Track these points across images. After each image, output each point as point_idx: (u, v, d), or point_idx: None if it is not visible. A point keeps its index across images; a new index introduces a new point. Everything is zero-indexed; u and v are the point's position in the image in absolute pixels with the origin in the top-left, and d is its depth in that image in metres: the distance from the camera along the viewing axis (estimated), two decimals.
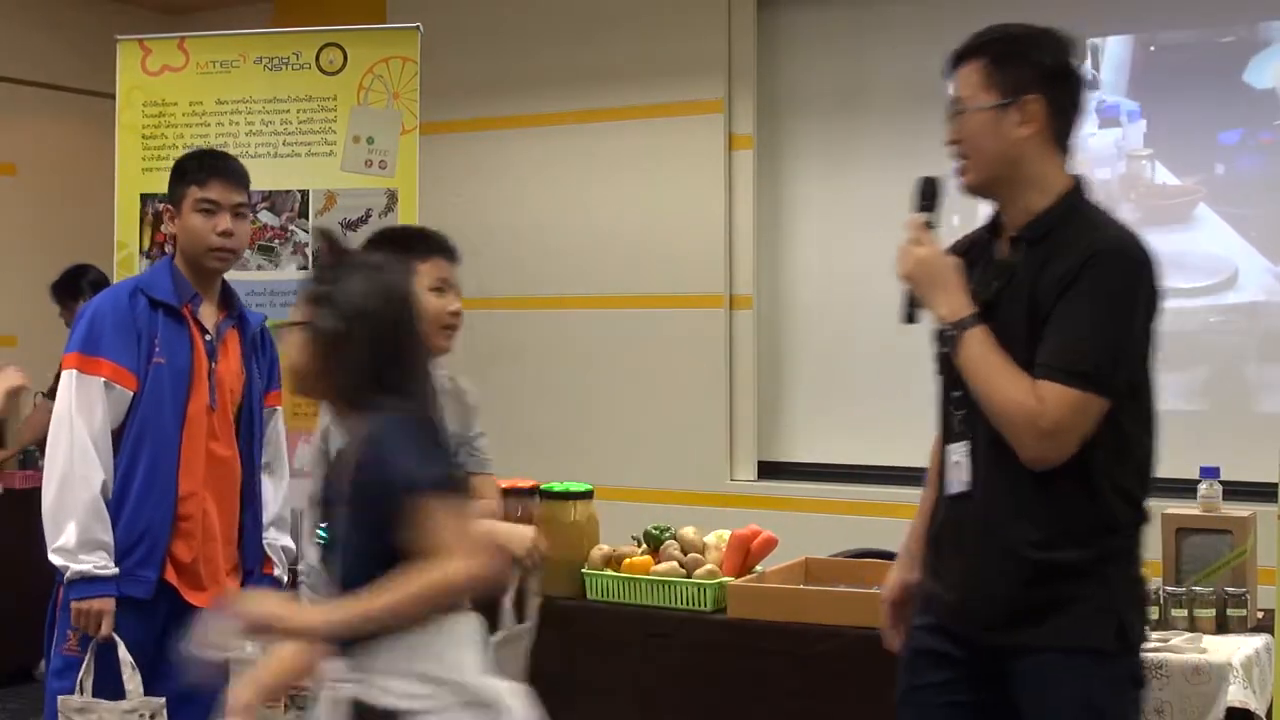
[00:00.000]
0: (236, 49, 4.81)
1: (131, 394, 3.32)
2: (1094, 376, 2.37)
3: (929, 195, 2.59)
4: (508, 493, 3.99)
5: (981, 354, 2.43)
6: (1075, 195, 2.52)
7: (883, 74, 5.68)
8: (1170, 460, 4.98)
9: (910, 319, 2.58)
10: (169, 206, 3.47)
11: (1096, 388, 2.37)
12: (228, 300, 3.52)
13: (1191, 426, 5.22)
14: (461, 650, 2.32)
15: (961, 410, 2.53)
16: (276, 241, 4.75)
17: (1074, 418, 2.38)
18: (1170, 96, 5.20)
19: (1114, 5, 5.39)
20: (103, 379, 3.30)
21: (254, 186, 4.70)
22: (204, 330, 3.42)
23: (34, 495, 6.26)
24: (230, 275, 4.77)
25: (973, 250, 2.62)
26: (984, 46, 2.52)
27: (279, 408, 3.66)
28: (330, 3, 6.27)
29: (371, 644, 2.26)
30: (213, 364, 3.40)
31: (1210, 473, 3.50)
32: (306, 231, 4.74)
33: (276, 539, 3.60)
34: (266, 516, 3.57)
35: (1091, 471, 2.41)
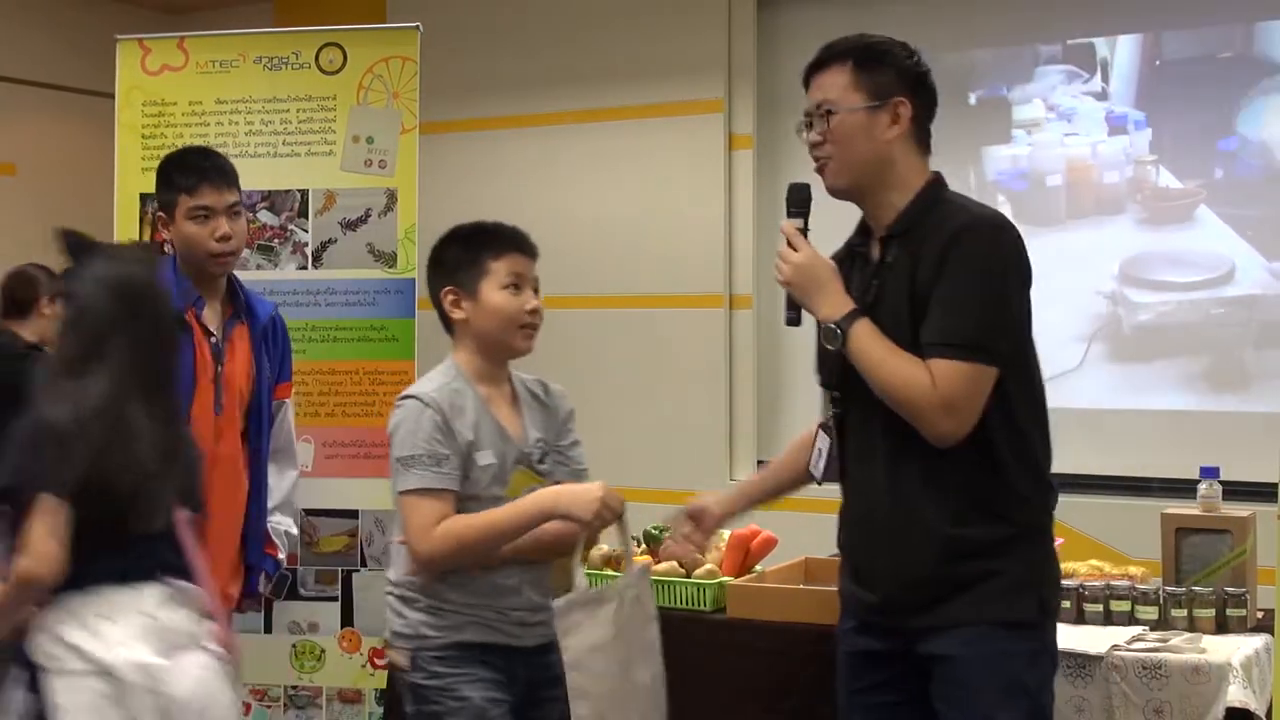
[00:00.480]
0: (236, 49, 4.81)
1: None
2: (977, 346, 2.45)
3: (801, 201, 2.66)
4: None
5: (869, 344, 2.51)
6: (935, 188, 2.61)
7: None
8: (1170, 460, 5.04)
9: (793, 321, 2.67)
10: (161, 214, 3.45)
11: (982, 356, 2.46)
12: (233, 296, 3.50)
13: (1191, 425, 5.23)
14: (109, 621, 2.55)
15: (838, 409, 2.66)
16: (276, 241, 4.75)
17: (967, 388, 2.45)
18: (1174, 107, 5.41)
19: (1115, 12, 5.40)
20: None
21: (253, 186, 4.75)
22: (209, 333, 3.40)
23: None
24: (238, 279, 4.77)
25: (849, 257, 2.71)
26: (847, 53, 2.63)
27: (288, 400, 3.68)
28: (330, 2, 6.27)
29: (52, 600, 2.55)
30: (219, 367, 3.39)
31: (1210, 472, 3.49)
32: (306, 231, 4.74)
33: (280, 523, 3.62)
34: (271, 502, 3.59)
35: (991, 445, 2.49)
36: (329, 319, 4.71)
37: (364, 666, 4.66)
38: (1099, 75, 5.48)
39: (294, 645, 4.66)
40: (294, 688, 4.69)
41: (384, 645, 3.10)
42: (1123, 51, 5.46)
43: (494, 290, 2.86)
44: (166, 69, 4.79)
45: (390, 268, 4.71)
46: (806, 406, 5.95)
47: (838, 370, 2.63)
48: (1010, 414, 2.52)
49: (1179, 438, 5.18)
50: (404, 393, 2.85)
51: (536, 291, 2.93)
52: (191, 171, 3.42)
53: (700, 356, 5.93)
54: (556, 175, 6.27)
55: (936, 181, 2.63)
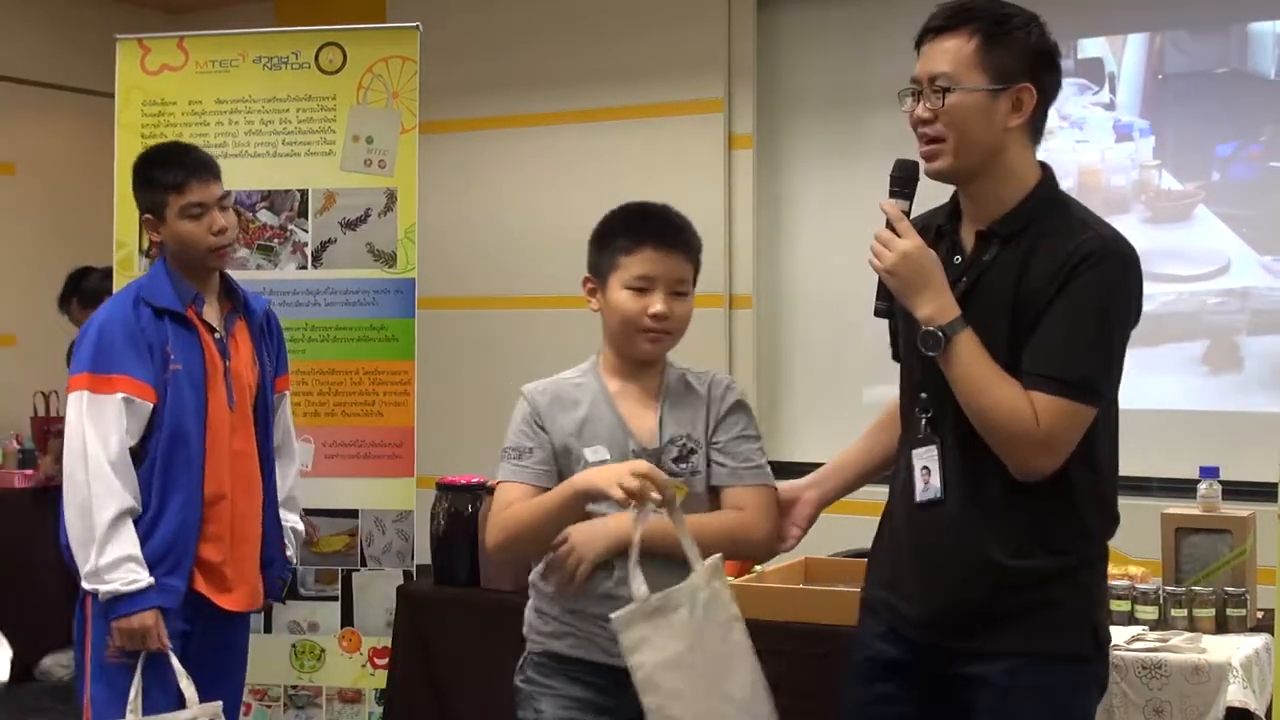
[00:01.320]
0: (236, 48, 4.81)
1: (151, 406, 3.27)
2: (1088, 387, 2.28)
3: (907, 180, 2.40)
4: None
5: (972, 360, 2.29)
6: (1048, 187, 2.40)
7: (882, 73, 5.67)
8: (1170, 460, 5.04)
9: (884, 313, 2.44)
10: (149, 216, 3.39)
11: (1088, 398, 2.29)
12: (229, 292, 3.48)
13: (1191, 425, 5.23)
14: None
15: (927, 413, 2.42)
16: (276, 241, 4.75)
17: (1069, 429, 2.28)
18: (1175, 116, 5.59)
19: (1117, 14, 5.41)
20: (120, 395, 3.23)
21: (253, 186, 4.76)
22: (212, 329, 3.38)
23: (34, 494, 6.30)
24: (230, 274, 4.75)
25: (934, 236, 2.46)
26: (974, 20, 2.33)
27: (287, 392, 3.68)
28: (329, 2, 6.26)
29: None
30: (227, 362, 3.37)
31: (1210, 472, 3.49)
32: (306, 231, 4.74)
33: (287, 520, 3.59)
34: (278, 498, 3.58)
35: (1068, 482, 2.33)
36: (329, 319, 4.71)
37: (364, 666, 4.66)
38: (1107, 87, 5.65)
39: (294, 645, 4.66)
40: (294, 688, 4.69)
41: None
42: (1129, 65, 5.65)
43: (618, 288, 2.59)
44: (166, 68, 4.79)
45: (390, 267, 4.71)
46: (807, 407, 5.96)
47: (930, 374, 2.39)
48: (1092, 451, 2.36)
49: (1179, 437, 5.19)
50: None
51: (681, 293, 2.61)
52: (176, 169, 3.36)
53: (700, 356, 5.86)
54: (556, 175, 6.27)
55: (1050, 178, 2.41)
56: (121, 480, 3.21)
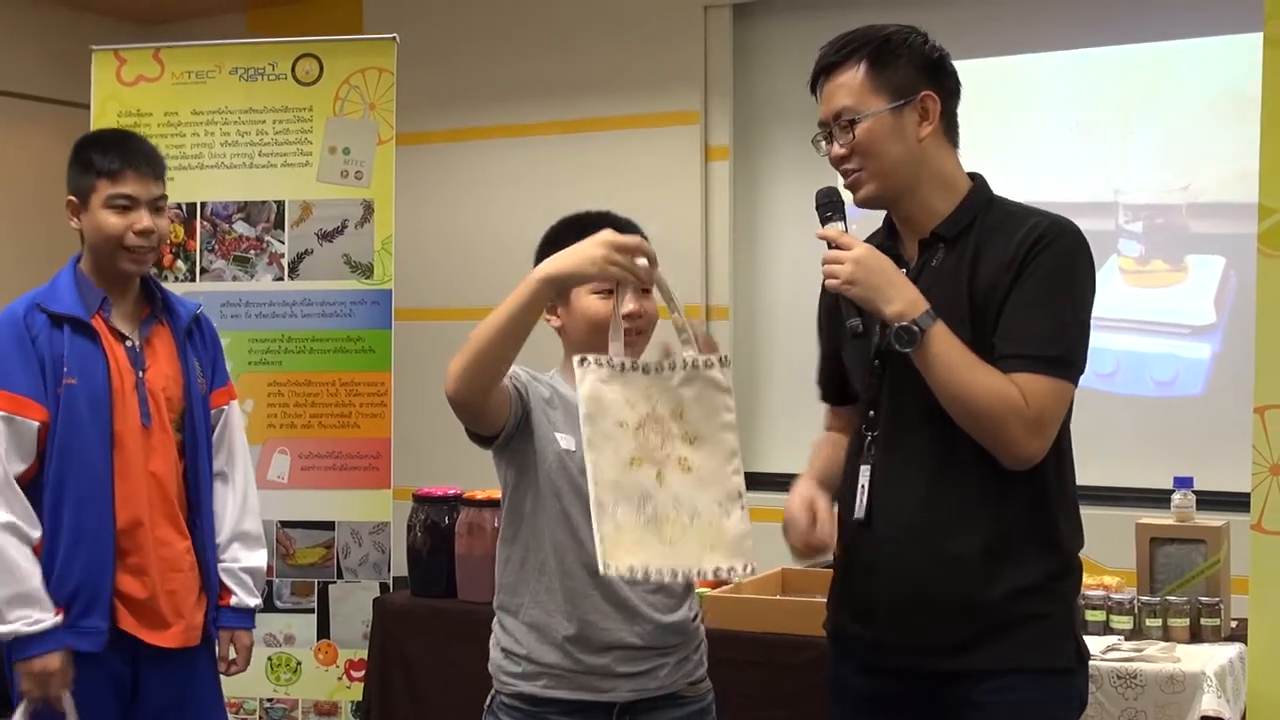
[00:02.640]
0: (212, 59, 4.81)
1: (38, 425, 2.88)
2: (1067, 361, 2.25)
3: (832, 205, 2.37)
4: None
5: (952, 348, 2.23)
6: (984, 189, 2.39)
7: None
8: (1144, 469, 5.05)
9: (861, 331, 2.32)
10: (73, 199, 3.01)
11: (1069, 373, 2.26)
12: (149, 295, 3.07)
13: (1165, 435, 5.26)
14: None
15: (874, 431, 2.37)
16: (252, 252, 4.74)
17: (1056, 407, 2.25)
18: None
19: (1100, 24, 5.44)
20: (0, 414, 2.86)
21: (229, 197, 4.76)
22: (123, 337, 2.99)
23: None
24: (206, 287, 4.73)
25: None
26: (857, 50, 2.35)
27: (229, 405, 3.21)
28: (306, 14, 6.26)
29: None
30: (140, 373, 2.97)
31: (1184, 482, 3.51)
32: (282, 242, 4.73)
33: (236, 560, 3.12)
34: (222, 534, 3.12)
35: (1043, 473, 2.29)
36: (305, 330, 4.70)
37: (340, 679, 4.65)
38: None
39: (270, 658, 4.64)
40: (270, 700, 4.67)
41: None
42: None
43: (585, 294, 2.49)
44: (142, 80, 4.78)
45: (367, 279, 4.71)
46: (783, 418, 5.97)
47: (878, 384, 2.36)
48: (1061, 446, 2.32)
49: (1154, 447, 5.21)
50: None
51: (647, 292, 2.52)
52: (114, 155, 2.97)
53: None
54: (533, 186, 6.27)
55: (982, 184, 2.40)
56: (9, 505, 2.85)
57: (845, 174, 2.37)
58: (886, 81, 2.32)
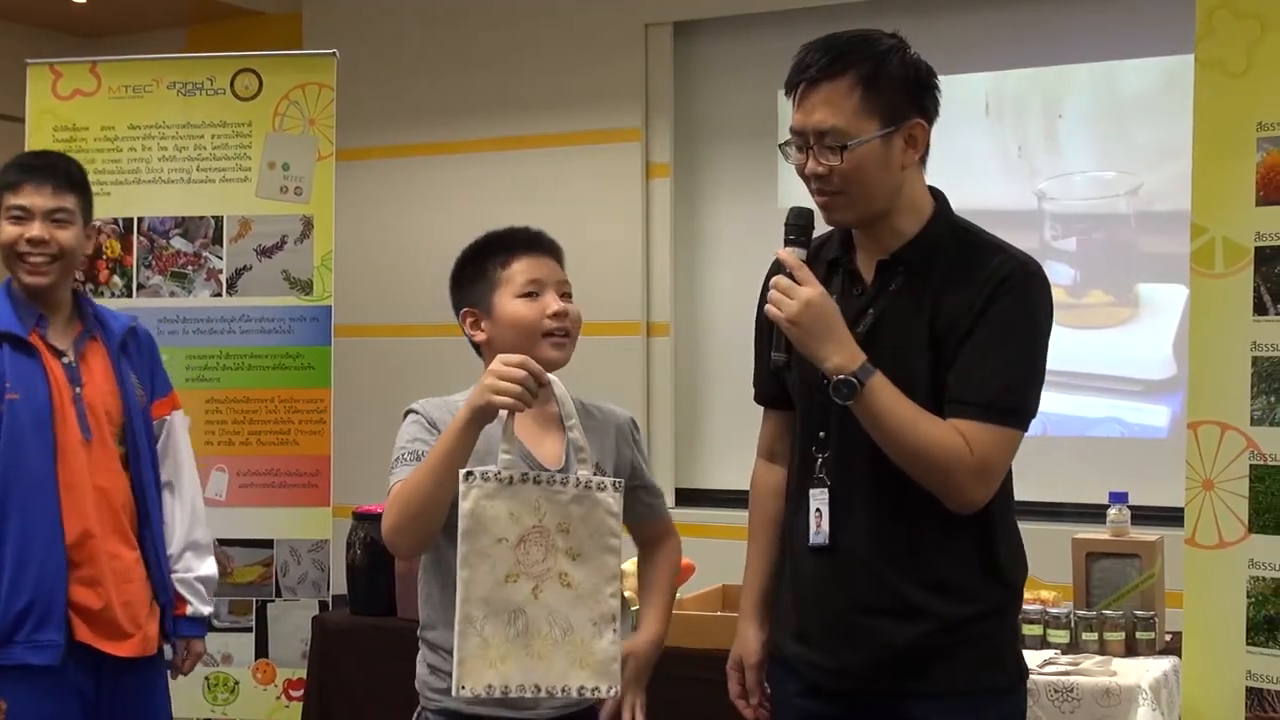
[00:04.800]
0: (149, 74, 4.77)
1: None
2: (1017, 410, 2.24)
3: (803, 228, 2.30)
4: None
5: (894, 403, 2.20)
6: (946, 212, 2.35)
7: None
8: (1080, 485, 5.11)
9: (784, 365, 2.30)
10: None
11: (1020, 422, 2.25)
12: (81, 312, 3.10)
13: (1101, 451, 5.31)
14: None
15: (825, 453, 2.33)
16: (190, 268, 4.70)
17: (1000, 455, 2.24)
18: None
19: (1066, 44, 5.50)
20: None
21: (167, 212, 4.72)
22: (59, 353, 3.02)
23: None
24: (143, 303, 4.70)
25: (827, 269, 2.38)
26: (852, 64, 2.24)
27: (172, 415, 3.23)
28: (245, 29, 6.22)
29: None
30: (77, 389, 3.00)
31: (1119, 497, 3.55)
32: (220, 258, 4.70)
33: (190, 569, 3.18)
34: (173, 545, 3.16)
35: (988, 513, 2.28)
36: (244, 346, 4.67)
37: (279, 698, 4.61)
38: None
39: (207, 678, 4.59)
40: None
41: None
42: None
43: (509, 300, 2.48)
44: (78, 94, 4.74)
45: (306, 295, 4.68)
46: (724, 435, 5.98)
47: (827, 402, 2.28)
48: (1005, 483, 2.32)
49: (1089, 463, 5.27)
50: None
51: (568, 296, 2.53)
52: (17, 169, 3.05)
53: (617, 384, 5.93)
54: (474, 203, 6.26)
55: (944, 205, 2.35)
56: None
57: (821, 192, 2.28)
58: (879, 105, 2.23)
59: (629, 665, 2.50)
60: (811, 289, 2.22)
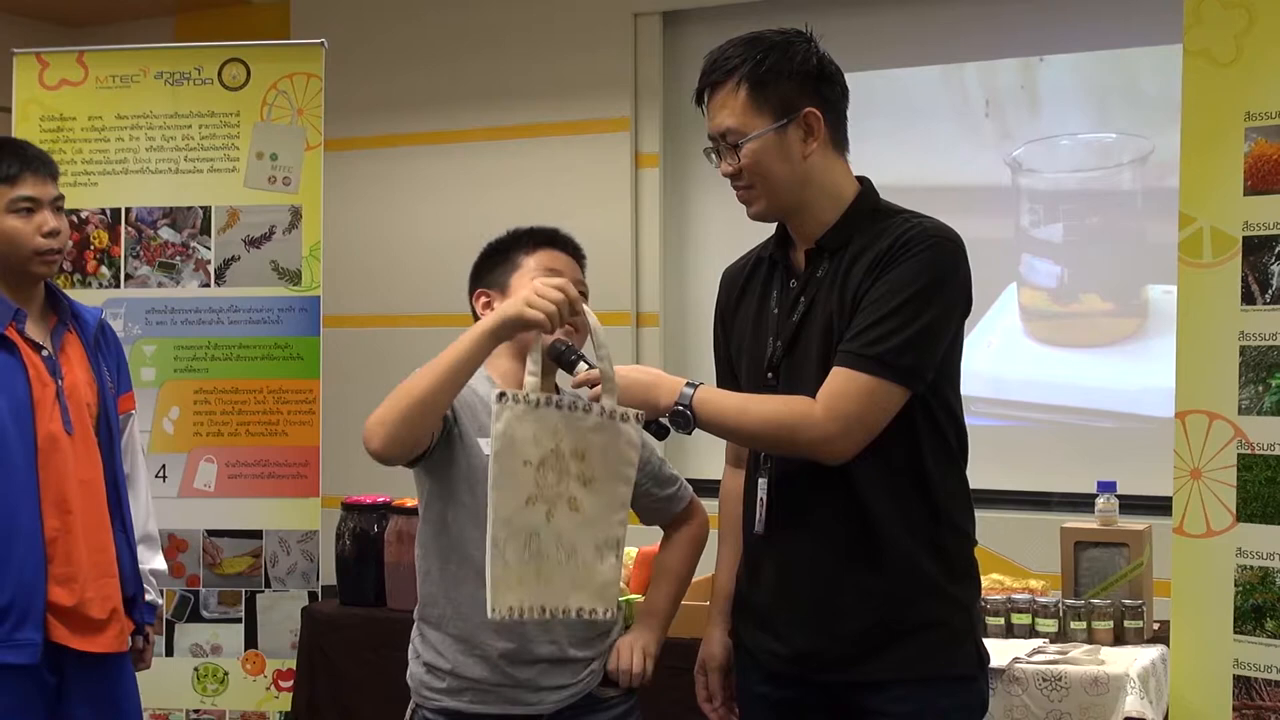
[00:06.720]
0: (137, 63, 4.75)
1: None
2: (887, 364, 2.24)
3: (569, 362, 2.42)
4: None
5: (721, 400, 2.35)
6: (868, 197, 2.42)
7: None
8: (1069, 474, 5.12)
9: (683, 427, 2.36)
10: None
11: (889, 374, 2.24)
12: (54, 303, 3.06)
13: (1089, 440, 5.32)
14: None
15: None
16: (178, 258, 4.69)
17: (862, 405, 2.24)
18: None
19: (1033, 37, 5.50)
20: None
21: (155, 203, 4.71)
22: (38, 346, 2.97)
23: None
24: (131, 293, 4.69)
25: (759, 269, 2.51)
26: (736, 68, 2.38)
27: (132, 411, 3.25)
28: (232, 18, 6.20)
29: None
30: (58, 382, 2.96)
31: (1107, 486, 3.56)
32: (209, 248, 4.69)
33: (144, 562, 3.16)
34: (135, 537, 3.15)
35: (928, 484, 2.33)
36: (232, 337, 4.66)
37: (268, 689, 4.61)
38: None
39: (196, 668, 4.59)
40: (196, 711, 4.62)
41: None
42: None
43: (526, 282, 2.49)
44: (65, 84, 4.72)
45: (295, 285, 4.67)
46: None
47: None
48: (945, 445, 2.35)
49: (1078, 452, 5.27)
50: None
51: (584, 296, 2.53)
52: (10, 160, 2.96)
53: None
54: (463, 193, 6.25)
55: (868, 190, 2.43)
56: None
57: (736, 189, 2.42)
58: (767, 101, 2.35)
59: (647, 620, 2.64)
60: (609, 380, 2.34)
